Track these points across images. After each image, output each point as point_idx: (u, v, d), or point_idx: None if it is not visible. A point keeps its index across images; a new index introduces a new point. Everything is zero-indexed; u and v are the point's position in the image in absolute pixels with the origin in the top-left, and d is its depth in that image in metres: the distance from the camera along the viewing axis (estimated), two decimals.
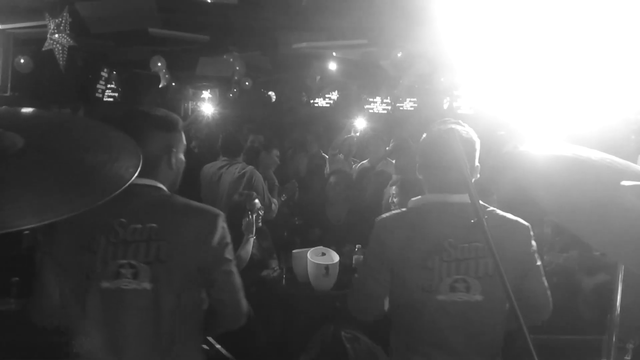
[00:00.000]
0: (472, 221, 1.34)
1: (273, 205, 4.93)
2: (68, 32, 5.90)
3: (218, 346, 3.11)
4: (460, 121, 2.05)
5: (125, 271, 1.76)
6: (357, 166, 6.29)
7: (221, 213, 1.93)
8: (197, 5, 5.90)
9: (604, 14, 3.06)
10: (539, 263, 1.99)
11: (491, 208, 1.99)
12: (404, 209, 2.06)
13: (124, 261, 1.76)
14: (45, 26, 5.90)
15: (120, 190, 1.21)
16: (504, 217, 1.99)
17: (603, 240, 1.27)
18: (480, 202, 1.97)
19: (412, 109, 12.99)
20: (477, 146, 2.02)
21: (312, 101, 14.01)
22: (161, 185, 1.92)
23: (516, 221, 2.00)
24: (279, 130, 8.15)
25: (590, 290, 3.78)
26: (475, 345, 1.95)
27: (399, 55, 6.92)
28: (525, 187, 1.43)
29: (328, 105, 14.13)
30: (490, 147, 4.51)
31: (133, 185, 1.83)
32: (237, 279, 1.95)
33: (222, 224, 1.90)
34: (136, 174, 1.27)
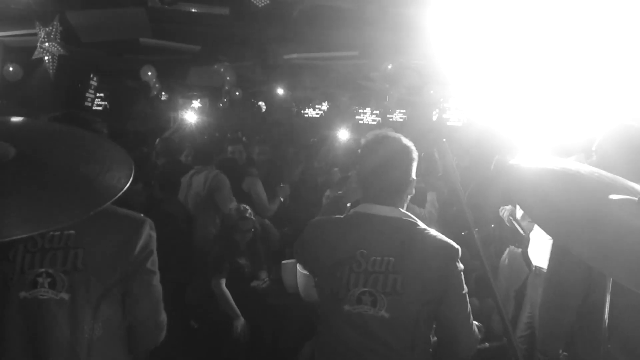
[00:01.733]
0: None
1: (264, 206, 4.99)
2: (58, 40, 5.88)
3: None
4: (391, 130, 2.04)
5: (43, 280, 1.68)
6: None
7: (148, 220, 1.83)
8: (188, 16, 5.91)
9: (592, 28, 3.10)
10: (464, 291, 1.85)
11: (423, 226, 1.91)
12: (339, 216, 2.04)
13: (42, 270, 1.68)
14: (35, 34, 5.88)
15: (112, 200, 1.21)
16: (434, 236, 1.88)
17: (591, 253, 1.28)
18: (411, 218, 1.92)
19: (402, 120, 13.07)
20: (415, 156, 1.96)
21: (302, 111, 14.04)
22: None
23: (445, 242, 1.87)
24: (269, 141, 8.14)
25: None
26: None
27: (389, 67, 6.97)
28: (516, 199, 1.44)
29: (318, 115, 14.16)
30: (479, 158, 4.56)
31: None
32: (157, 293, 1.85)
33: (147, 232, 1.80)
34: (128, 184, 1.26)
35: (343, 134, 8.22)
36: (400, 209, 1.92)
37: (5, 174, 1.19)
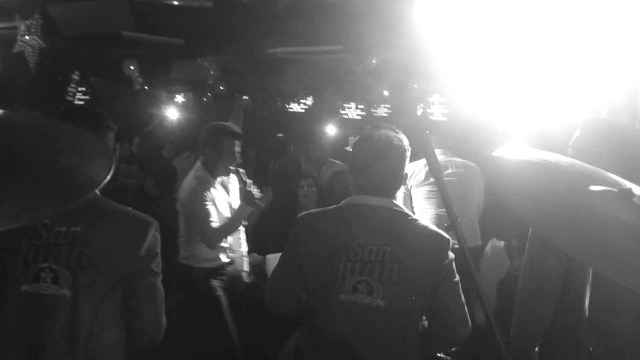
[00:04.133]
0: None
1: None
2: (39, 34, 5.80)
3: None
4: (393, 127, 2.05)
5: (45, 275, 1.69)
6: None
7: (154, 222, 1.87)
8: (171, 9, 5.86)
9: (572, 18, 3.13)
10: (456, 279, 1.92)
11: (415, 217, 1.98)
12: (329, 207, 2.04)
13: (45, 265, 1.70)
14: (15, 28, 5.79)
15: (92, 193, 1.19)
16: (426, 227, 1.94)
17: (572, 245, 1.29)
18: (402, 209, 1.97)
19: (387, 115, 13.07)
20: (408, 154, 2.01)
21: (287, 106, 14.00)
22: None
23: (436, 232, 1.94)
24: (255, 135, 8.12)
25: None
26: (380, 352, 1.87)
27: (374, 62, 6.96)
28: (498, 191, 1.45)
29: (303, 110, 14.13)
30: (462, 152, 4.58)
31: None
32: (160, 295, 1.89)
33: (153, 233, 1.84)
34: (109, 177, 1.25)
35: (330, 129, 8.22)
36: (391, 200, 1.96)
37: None
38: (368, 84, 8.52)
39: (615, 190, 1.39)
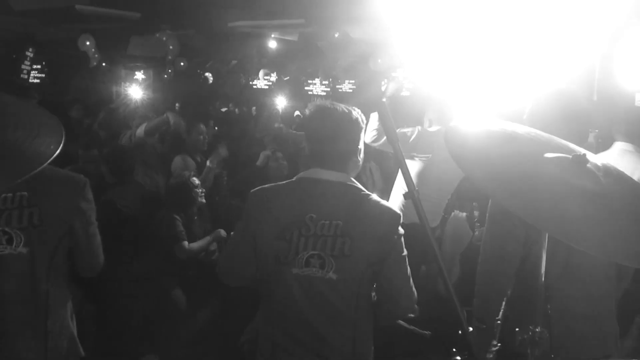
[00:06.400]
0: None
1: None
2: None
3: None
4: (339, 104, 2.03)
5: (0, 237, 1.87)
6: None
7: (86, 179, 2.11)
8: None
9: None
10: (403, 254, 1.93)
11: (367, 192, 1.98)
12: (284, 182, 2.04)
13: None
14: None
15: (41, 168, 1.16)
16: (378, 202, 1.95)
17: (528, 210, 1.32)
18: (356, 184, 1.98)
19: (351, 91, 13.04)
20: (362, 125, 2.00)
21: (250, 82, 13.82)
22: None
23: (388, 208, 1.95)
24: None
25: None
26: (333, 323, 1.90)
27: (336, 35, 6.90)
28: (457, 161, 1.46)
29: (267, 87, 13.98)
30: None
31: None
32: (99, 239, 2.17)
33: (88, 188, 2.09)
34: (59, 150, 1.22)
35: (281, 101, 8.17)
36: (346, 175, 1.96)
37: None
38: (332, 59, 8.47)
39: (569, 156, 1.41)
